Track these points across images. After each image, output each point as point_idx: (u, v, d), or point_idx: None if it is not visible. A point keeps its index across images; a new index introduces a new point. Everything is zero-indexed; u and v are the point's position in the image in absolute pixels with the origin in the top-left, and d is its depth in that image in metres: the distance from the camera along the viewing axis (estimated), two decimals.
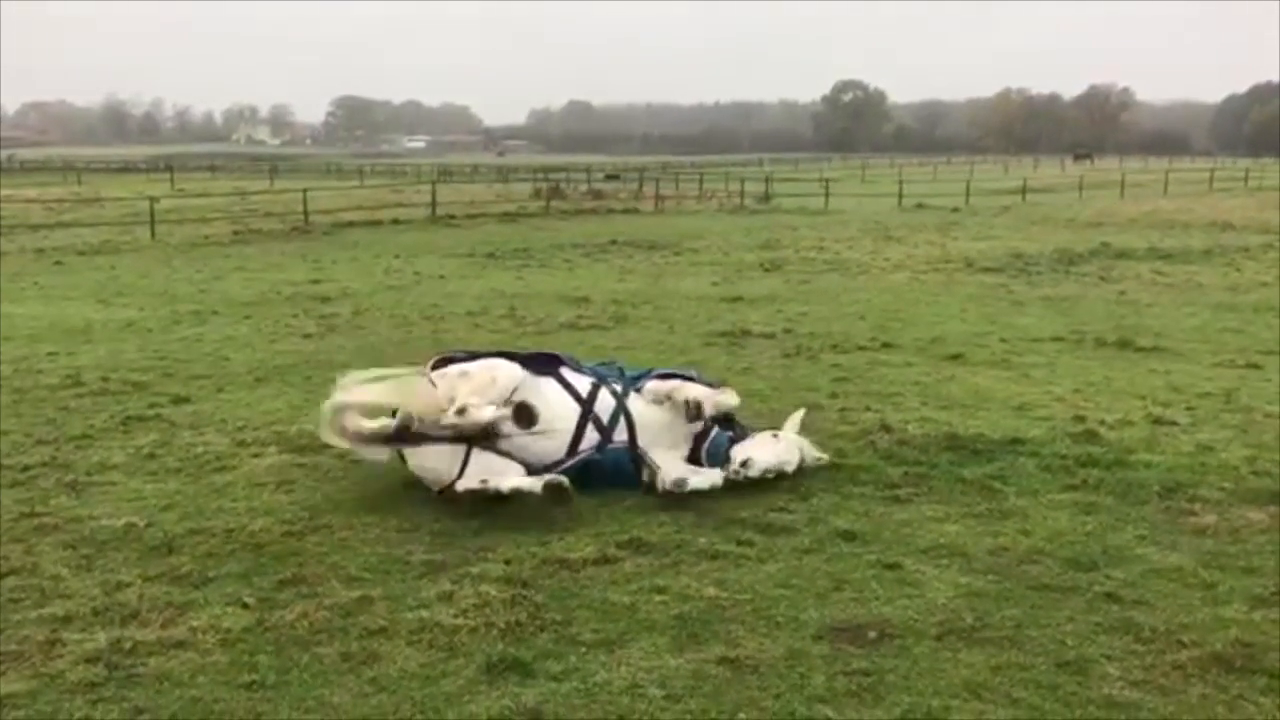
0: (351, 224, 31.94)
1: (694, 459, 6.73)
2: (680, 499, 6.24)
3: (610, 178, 64.46)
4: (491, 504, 6.18)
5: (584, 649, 4.46)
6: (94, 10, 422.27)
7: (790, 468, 6.70)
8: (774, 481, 6.62)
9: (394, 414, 6.57)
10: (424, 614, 4.75)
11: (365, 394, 6.46)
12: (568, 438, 6.55)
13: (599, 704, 4.03)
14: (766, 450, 6.71)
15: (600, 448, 6.59)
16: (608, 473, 6.54)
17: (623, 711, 3.99)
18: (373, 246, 25.48)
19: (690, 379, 7.00)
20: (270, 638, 4.57)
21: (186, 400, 9.11)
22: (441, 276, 19.31)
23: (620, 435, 6.66)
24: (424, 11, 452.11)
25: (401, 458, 6.46)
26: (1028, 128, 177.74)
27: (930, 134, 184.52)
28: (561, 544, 5.62)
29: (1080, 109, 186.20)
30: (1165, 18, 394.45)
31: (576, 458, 6.53)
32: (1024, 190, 49.97)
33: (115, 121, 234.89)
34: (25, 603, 4.93)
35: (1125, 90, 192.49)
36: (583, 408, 6.65)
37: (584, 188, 52.40)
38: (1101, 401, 8.96)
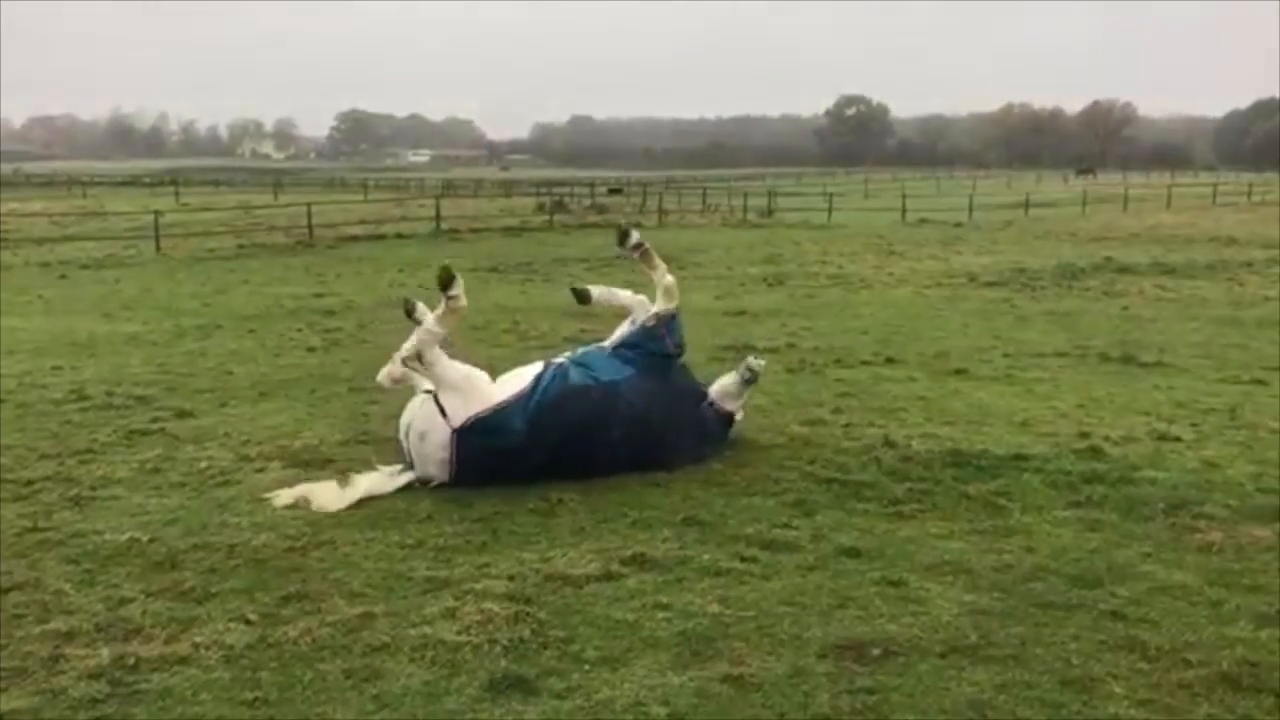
0: (355, 238, 32.03)
1: None
2: (687, 516, 6.27)
3: (613, 192, 64.69)
4: (494, 520, 6.19)
5: (587, 666, 4.44)
6: (100, 26, 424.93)
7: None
8: (778, 496, 6.66)
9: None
10: (427, 630, 4.74)
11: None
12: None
13: None
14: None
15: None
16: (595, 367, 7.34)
17: None
18: (376, 260, 25.54)
19: None
20: (273, 654, 4.56)
21: (190, 414, 9.11)
22: None
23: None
24: (427, 27, 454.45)
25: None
26: (1030, 142, 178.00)
27: (933, 148, 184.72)
28: (564, 560, 5.61)
29: (1082, 124, 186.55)
30: (1167, 33, 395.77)
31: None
32: (1027, 205, 50.04)
33: (121, 136, 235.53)
34: (28, 618, 4.93)
35: (1127, 105, 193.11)
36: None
37: (587, 202, 52.54)
38: (1105, 417, 8.94)
